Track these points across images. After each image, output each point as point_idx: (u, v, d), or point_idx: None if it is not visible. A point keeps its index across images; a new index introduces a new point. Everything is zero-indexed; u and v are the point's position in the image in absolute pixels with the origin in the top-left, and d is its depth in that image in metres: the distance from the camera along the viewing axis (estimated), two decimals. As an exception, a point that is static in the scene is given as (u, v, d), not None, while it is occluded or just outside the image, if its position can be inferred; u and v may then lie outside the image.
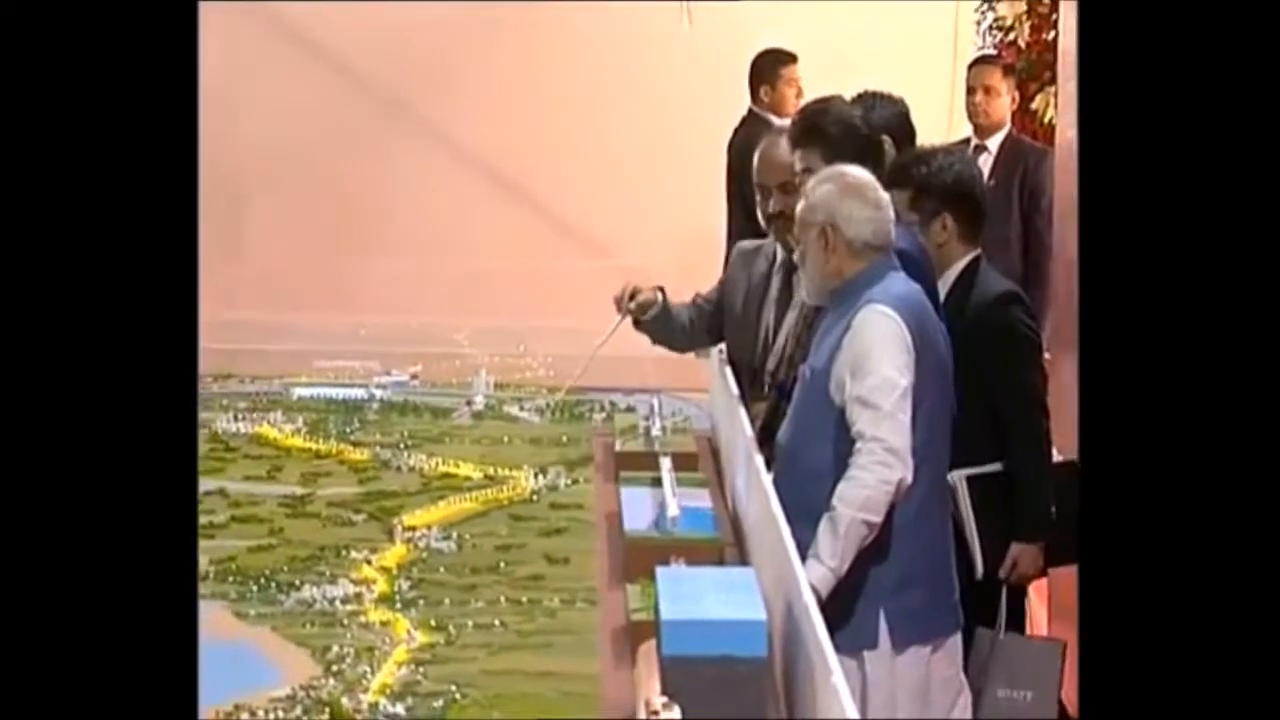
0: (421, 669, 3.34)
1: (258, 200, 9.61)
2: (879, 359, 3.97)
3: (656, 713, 2.84)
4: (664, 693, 2.92)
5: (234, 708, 3.13)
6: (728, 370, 4.80)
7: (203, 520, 4.11)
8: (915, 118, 4.94)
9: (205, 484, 4.44)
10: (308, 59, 9.60)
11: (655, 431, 4.80)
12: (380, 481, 4.65)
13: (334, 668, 3.35)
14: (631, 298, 4.98)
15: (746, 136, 7.36)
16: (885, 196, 4.16)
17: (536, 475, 4.64)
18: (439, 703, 3.19)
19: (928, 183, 4.65)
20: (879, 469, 3.91)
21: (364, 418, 5.31)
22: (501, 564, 3.98)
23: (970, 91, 7.24)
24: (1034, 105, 7.54)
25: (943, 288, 4.54)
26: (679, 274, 5.12)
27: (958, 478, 4.46)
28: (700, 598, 3.10)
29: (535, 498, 4.51)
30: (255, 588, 3.80)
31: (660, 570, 3.34)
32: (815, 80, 7.22)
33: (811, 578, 3.66)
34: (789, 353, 4.60)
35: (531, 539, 4.17)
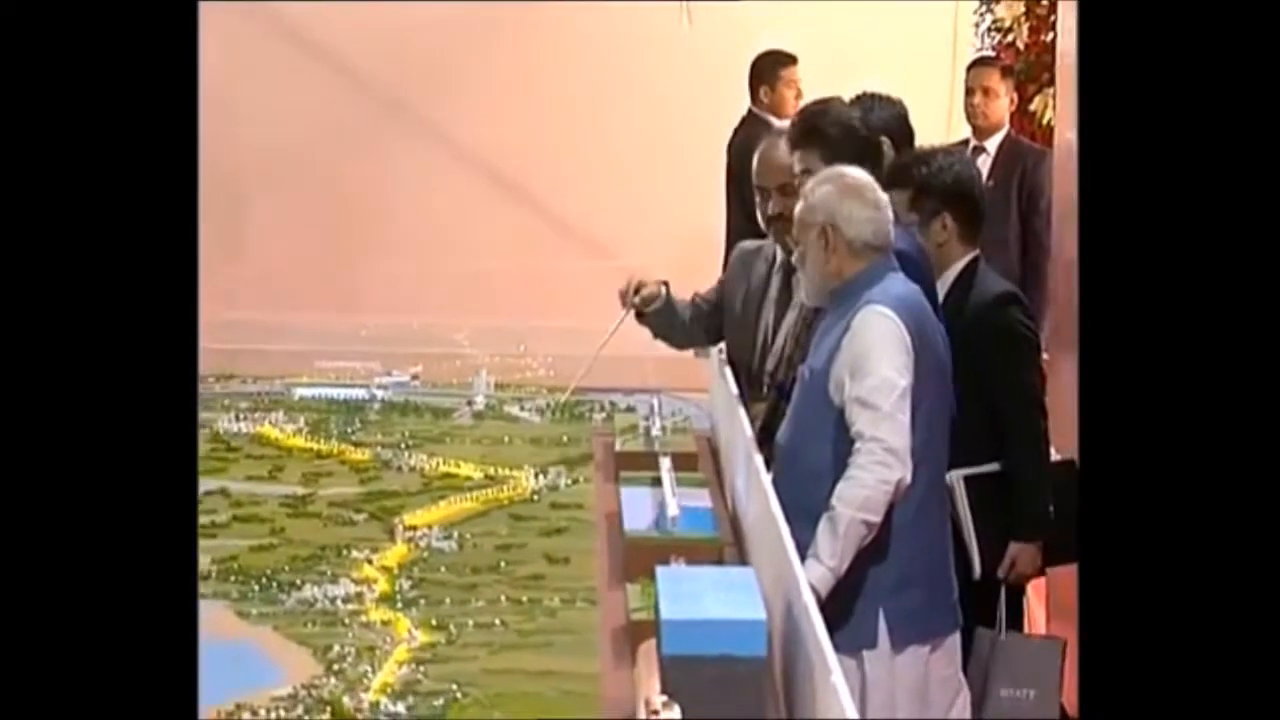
0: (422, 668, 3.34)
1: (258, 200, 9.61)
2: (878, 360, 3.98)
3: (656, 712, 2.85)
4: (664, 692, 2.92)
5: (235, 707, 3.13)
6: (728, 370, 4.81)
7: (205, 520, 4.12)
8: (914, 119, 4.95)
9: (207, 484, 4.45)
10: (308, 59, 9.60)
11: (655, 431, 4.80)
12: (381, 481, 4.65)
13: (335, 667, 3.35)
14: (636, 291, 5.02)
15: (746, 137, 7.38)
16: (884, 197, 4.17)
17: (537, 475, 4.64)
18: (440, 702, 3.19)
19: (928, 183, 4.66)
20: (878, 469, 3.92)
21: (365, 418, 5.32)
22: (502, 563, 3.99)
23: (969, 93, 7.25)
24: (1032, 107, 7.55)
25: (942, 288, 4.55)
26: (679, 274, 5.13)
27: (956, 478, 4.47)
28: (700, 597, 3.11)
29: (536, 497, 4.51)
30: (257, 587, 3.81)
31: (660, 570, 3.35)
32: (814, 81, 7.23)
33: (811, 577, 3.67)
34: (788, 353, 4.61)
35: (532, 539, 4.18)
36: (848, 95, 4.83)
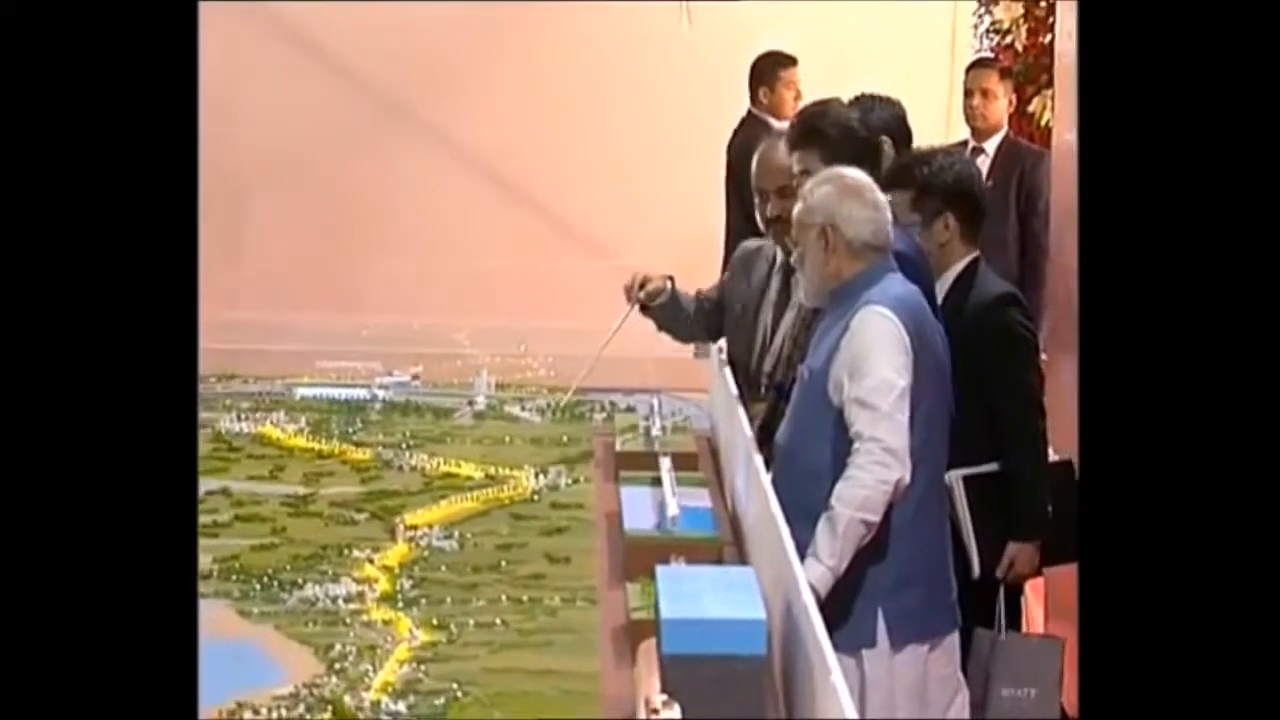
0: (423, 667, 3.35)
1: (258, 200, 9.61)
2: (877, 360, 3.99)
3: (656, 711, 2.85)
4: (664, 691, 2.93)
5: (237, 706, 3.14)
6: (727, 370, 4.82)
7: (206, 519, 4.12)
8: (913, 120, 4.97)
9: (209, 483, 4.46)
10: (308, 59, 9.61)
11: (655, 431, 4.81)
12: (382, 481, 4.66)
13: (336, 666, 3.35)
14: (641, 286, 5.03)
15: (745, 138, 7.39)
16: (883, 198, 4.18)
17: (537, 475, 4.65)
18: (440, 700, 3.20)
19: (930, 183, 4.67)
20: (877, 469, 3.93)
21: (366, 418, 5.32)
22: (502, 563, 4.00)
23: (967, 94, 7.25)
24: (1031, 108, 7.56)
25: (942, 288, 4.56)
26: (679, 274, 5.14)
27: (954, 478, 4.48)
28: (700, 596, 3.11)
29: (536, 497, 4.52)
30: (258, 586, 3.81)
31: (660, 569, 3.35)
32: (814, 82, 7.24)
33: (810, 577, 3.67)
34: (787, 354, 4.62)
35: (532, 538, 4.18)
36: (847, 96, 4.84)
